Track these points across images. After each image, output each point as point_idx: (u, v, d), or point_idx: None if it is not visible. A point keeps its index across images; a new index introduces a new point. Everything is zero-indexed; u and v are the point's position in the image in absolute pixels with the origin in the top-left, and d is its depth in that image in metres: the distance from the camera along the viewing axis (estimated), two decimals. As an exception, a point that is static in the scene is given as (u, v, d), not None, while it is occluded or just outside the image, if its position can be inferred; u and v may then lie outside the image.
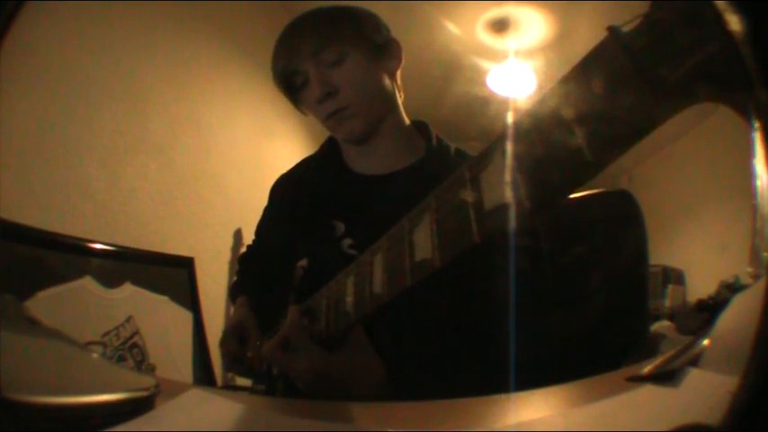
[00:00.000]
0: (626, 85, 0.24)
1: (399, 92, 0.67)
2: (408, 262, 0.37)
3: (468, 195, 0.32)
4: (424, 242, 0.36)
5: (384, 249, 0.41)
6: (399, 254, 0.38)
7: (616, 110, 0.24)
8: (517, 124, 0.29)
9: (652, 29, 0.24)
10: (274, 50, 0.65)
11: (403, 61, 0.66)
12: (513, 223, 0.29)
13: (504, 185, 0.29)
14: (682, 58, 0.23)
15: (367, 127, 0.64)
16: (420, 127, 0.68)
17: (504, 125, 0.30)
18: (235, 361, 0.72)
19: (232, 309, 0.79)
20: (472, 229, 0.31)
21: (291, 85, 0.65)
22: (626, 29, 0.24)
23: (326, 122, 0.65)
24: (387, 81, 0.65)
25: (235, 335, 0.70)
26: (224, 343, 0.72)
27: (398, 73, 0.67)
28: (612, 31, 0.25)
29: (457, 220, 0.33)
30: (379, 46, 0.64)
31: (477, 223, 0.31)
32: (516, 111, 0.29)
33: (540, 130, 0.28)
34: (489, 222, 0.30)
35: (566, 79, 0.27)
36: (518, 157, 0.29)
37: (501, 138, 0.30)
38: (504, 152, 0.30)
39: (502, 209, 0.29)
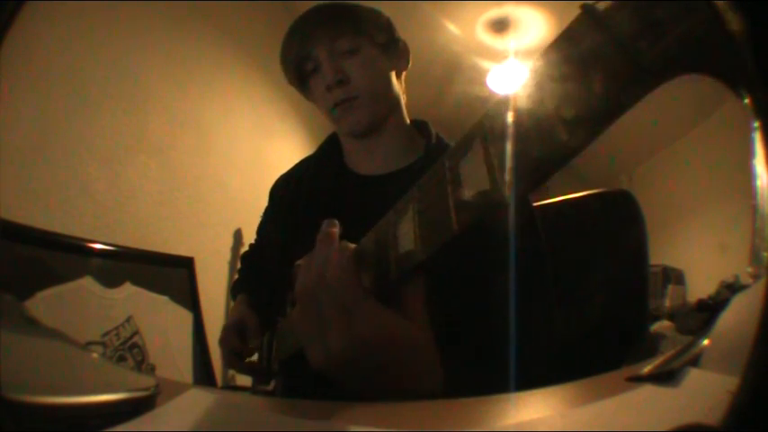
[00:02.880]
0: (603, 61, 0.23)
1: (403, 94, 0.68)
2: (393, 254, 0.37)
3: (448, 185, 0.32)
4: (407, 234, 0.36)
5: (372, 242, 0.41)
6: (385, 246, 0.38)
7: (593, 88, 0.24)
8: (495, 111, 0.29)
9: (630, 4, 0.23)
10: (287, 36, 0.65)
11: (410, 64, 0.67)
12: (491, 211, 0.29)
13: (483, 173, 0.29)
14: (662, 30, 0.22)
15: (372, 121, 0.65)
16: (420, 126, 0.69)
17: (484, 113, 0.30)
18: (234, 357, 0.72)
19: (233, 306, 0.80)
20: (451, 219, 0.31)
21: (301, 71, 0.65)
22: (601, 5, 0.24)
23: (333, 112, 0.65)
24: (395, 80, 0.66)
25: (235, 332, 0.70)
26: (224, 340, 0.72)
27: (404, 75, 0.68)
28: (586, 8, 0.24)
29: (437, 210, 0.32)
30: (390, 45, 0.65)
31: (456, 213, 0.31)
32: (513, 108, 0.29)
33: (516, 115, 0.27)
34: (468, 211, 0.30)
35: (540, 59, 0.27)
36: (496, 143, 0.28)
37: (479, 125, 0.30)
38: (482, 138, 0.30)
39: (480, 197, 0.29)
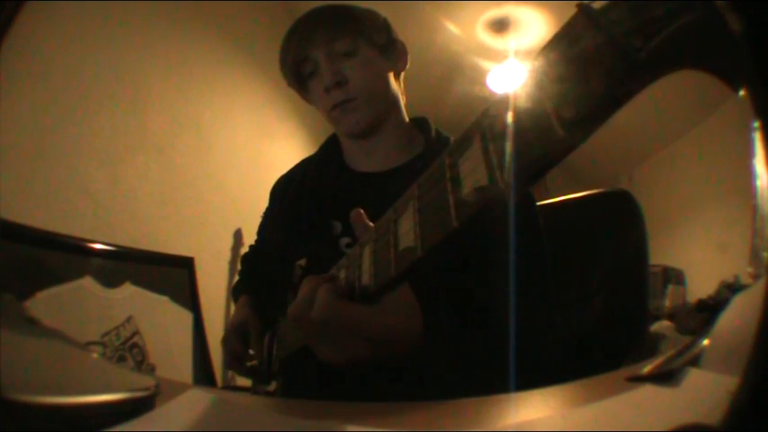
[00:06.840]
0: (598, 58, 0.24)
1: (402, 94, 0.68)
2: (393, 251, 0.37)
3: (447, 182, 0.32)
4: (407, 231, 0.36)
5: (372, 240, 0.41)
6: (385, 244, 0.38)
7: (589, 84, 0.24)
8: (494, 108, 0.30)
9: (626, 3, 0.23)
10: (286, 39, 0.66)
11: (408, 64, 0.67)
12: (491, 206, 0.29)
13: (482, 169, 0.29)
14: (657, 27, 0.22)
15: (371, 121, 0.65)
16: (420, 123, 0.69)
17: (483, 111, 0.30)
18: (236, 359, 0.72)
19: (233, 308, 0.79)
20: (451, 215, 0.31)
21: (300, 74, 0.66)
22: (597, 5, 0.24)
23: (331, 113, 0.65)
24: (393, 80, 0.66)
25: (237, 334, 0.71)
26: (226, 341, 0.72)
27: (402, 75, 0.68)
28: (582, 7, 0.25)
29: (437, 206, 0.33)
30: (388, 46, 0.66)
31: (456, 208, 0.31)
32: (511, 106, 0.29)
33: (514, 112, 0.28)
34: (467, 207, 0.30)
35: (538, 57, 0.27)
36: (494, 140, 0.29)
37: (478, 121, 0.31)
38: (481, 135, 0.30)
39: (479, 192, 0.29)
